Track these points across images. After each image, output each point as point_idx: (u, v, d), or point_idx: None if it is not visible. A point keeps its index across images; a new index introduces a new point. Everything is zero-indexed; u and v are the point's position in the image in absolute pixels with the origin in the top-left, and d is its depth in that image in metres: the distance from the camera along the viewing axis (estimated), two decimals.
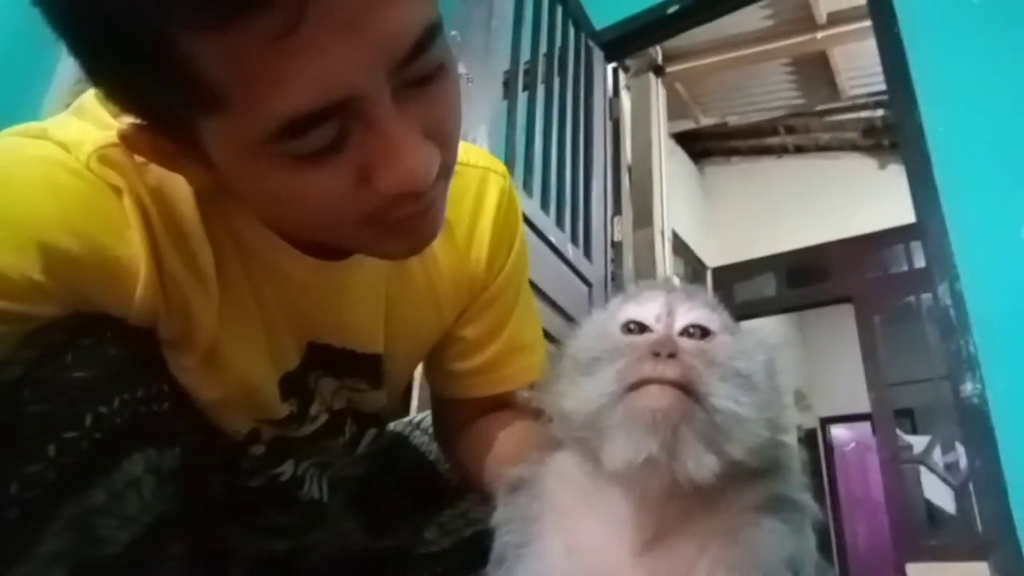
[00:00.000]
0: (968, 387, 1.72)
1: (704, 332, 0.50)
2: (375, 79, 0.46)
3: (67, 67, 1.21)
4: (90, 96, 0.58)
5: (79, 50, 0.44)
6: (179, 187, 0.56)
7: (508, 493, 0.54)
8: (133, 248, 0.54)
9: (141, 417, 0.55)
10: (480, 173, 0.77)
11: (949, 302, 1.80)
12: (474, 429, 0.80)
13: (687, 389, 0.45)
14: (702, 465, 0.44)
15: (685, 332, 0.50)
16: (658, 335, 0.50)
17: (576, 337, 0.55)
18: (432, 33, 0.48)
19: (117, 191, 0.54)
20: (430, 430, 0.92)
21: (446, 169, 0.55)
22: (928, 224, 1.88)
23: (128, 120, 0.49)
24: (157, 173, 0.55)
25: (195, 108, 0.45)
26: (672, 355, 0.47)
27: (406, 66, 0.47)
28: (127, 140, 0.51)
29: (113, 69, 0.45)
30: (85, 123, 0.56)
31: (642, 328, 0.52)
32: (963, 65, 1.98)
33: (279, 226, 0.60)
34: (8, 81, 1.18)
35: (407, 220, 0.54)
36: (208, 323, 0.59)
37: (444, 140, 0.52)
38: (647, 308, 0.52)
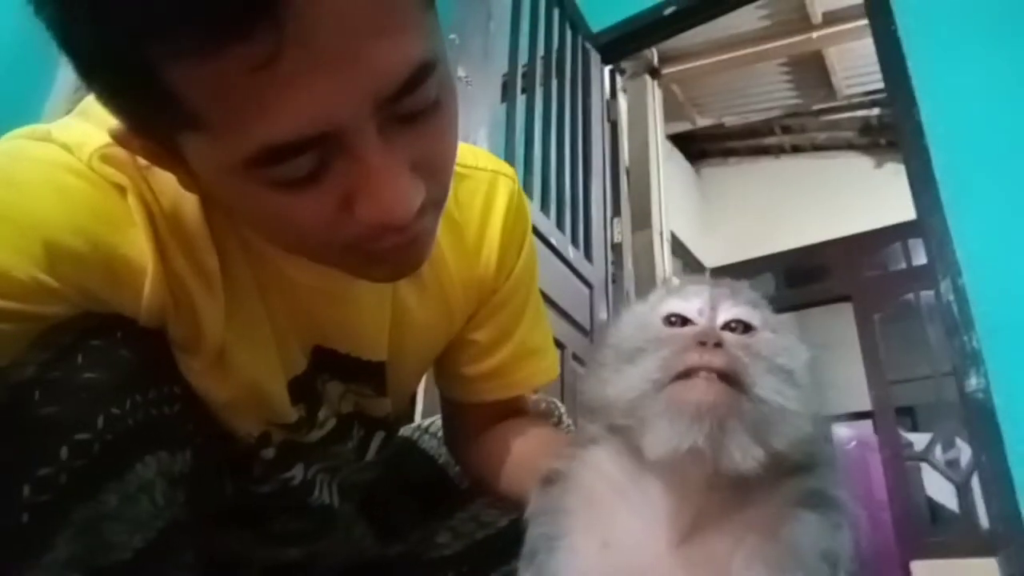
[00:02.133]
0: (972, 383, 1.72)
1: (747, 327, 0.50)
2: (358, 114, 0.45)
3: (68, 73, 1.20)
4: (93, 98, 0.57)
5: (70, 56, 0.44)
6: (183, 190, 0.56)
7: (542, 486, 0.53)
8: (139, 246, 0.54)
9: (153, 419, 0.55)
10: (489, 176, 0.76)
11: (952, 298, 1.80)
12: (487, 436, 0.79)
13: (732, 380, 0.45)
14: (748, 456, 0.44)
15: (727, 327, 0.50)
16: (702, 327, 0.50)
17: (617, 327, 0.55)
18: (425, 70, 0.46)
19: (121, 190, 0.54)
20: (439, 434, 0.91)
21: (435, 200, 0.54)
22: (929, 221, 1.88)
23: (119, 122, 0.49)
24: (161, 174, 0.55)
25: (175, 124, 0.45)
26: (718, 345, 0.47)
27: (395, 102, 0.46)
28: (119, 140, 0.50)
29: (98, 79, 0.45)
30: (88, 125, 0.56)
31: (684, 321, 0.52)
32: (961, 61, 1.99)
33: (266, 240, 0.59)
34: (10, 87, 1.17)
35: (390, 250, 0.53)
36: (214, 325, 0.58)
37: (433, 173, 0.52)
38: (690, 302, 0.52)
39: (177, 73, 0.41)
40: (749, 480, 0.46)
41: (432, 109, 0.49)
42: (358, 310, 0.67)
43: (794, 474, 0.48)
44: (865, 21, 2.57)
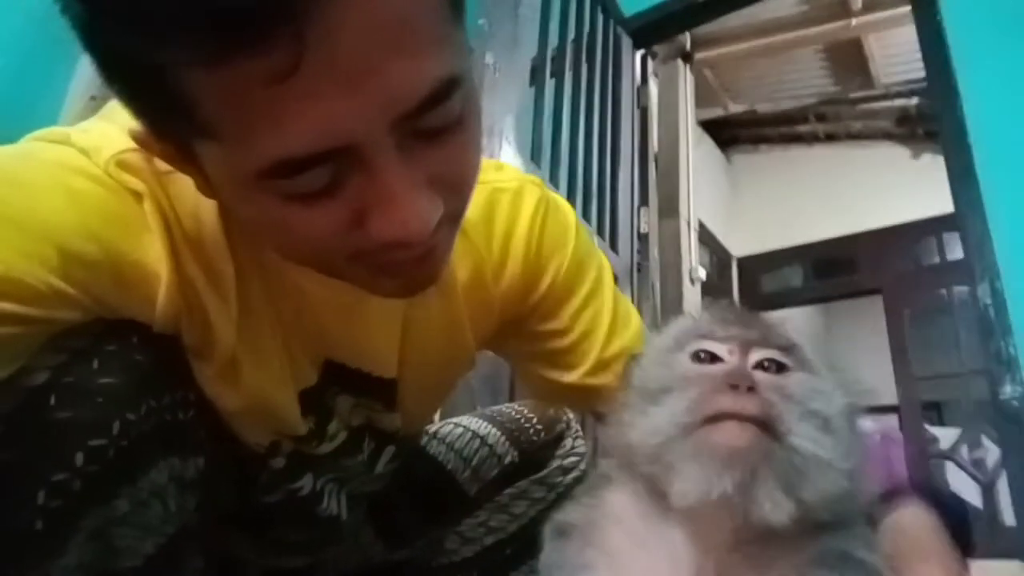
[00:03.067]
0: (1007, 390, 1.67)
1: (780, 367, 0.47)
2: (375, 129, 0.44)
3: (81, 81, 1.19)
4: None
5: (92, 56, 0.44)
6: (202, 198, 0.55)
7: (555, 538, 0.51)
8: (153, 252, 0.54)
9: (167, 425, 0.54)
10: (514, 188, 0.74)
11: (989, 301, 1.75)
12: None
13: (766, 426, 0.43)
14: (778, 508, 0.42)
15: (760, 365, 0.48)
16: (732, 366, 0.48)
17: (641, 367, 0.53)
18: (450, 87, 0.46)
19: (137, 196, 0.54)
20: (447, 439, 0.91)
21: (453, 216, 0.53)
22: (969, 221, 1.83)
23: (139, 125, 0.49)
24: (179, 182, 0.54)
25: (191, 131, 0.45)
26: (751, 388, 0.45)
27: (415, 118, 0.45)
28: (140, 142, 0.51)
29: (118, 80, 0.45)
30: (110, 128, 0.56)
31: (713, 358, 0.49)
32: (1007, 57, 1.91)
33: (277, 251, 0.58)
34: (22, 94, 1.17)
35: (402, 264, 0.52)
36: (226, 333, 0.58)
37: (452, 188, 0.51)
38: (719, 339, 0.49)
39: (194, 80, 0.41)
40: (775, 535, 0.43)
41: (455, 125, 0.48)
42: (368, 326, 0.66)
43: (822, 532, 0.46)
44: (906, 8, 2.50)
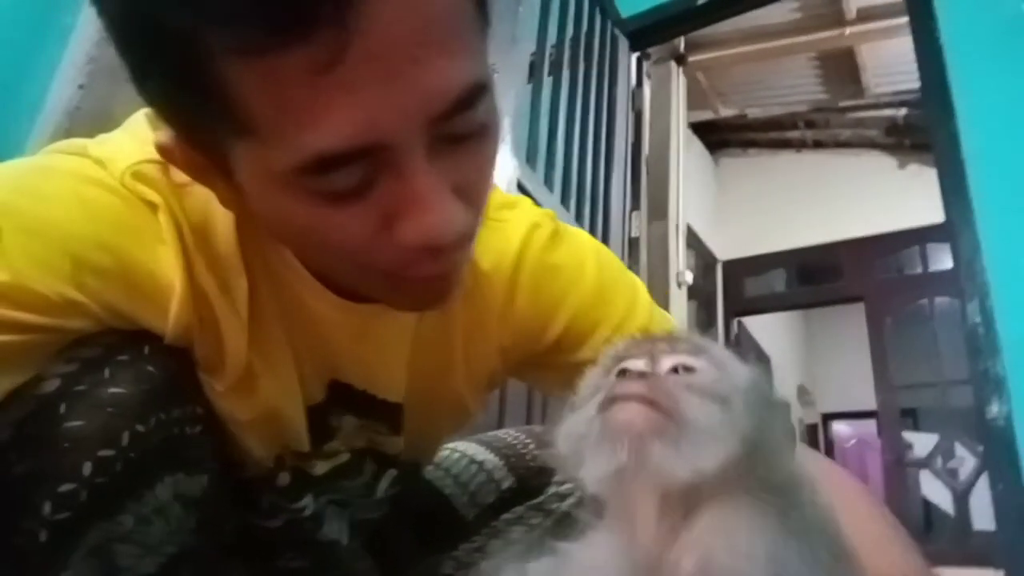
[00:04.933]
0: (994, 408, 1.68)
1: (688, 369, 0.51)
2: (410, 129, 0.44)
3: (70, 67, 1.15)
4: (139, 114, 0.58)
5: (125, 52, 0.44)
6: (217, 211, 0.55)
7: None
8: (167, 264, 0.53)
9: (175, 439, 0.54)
10: (522, 233, 0.72)
11: (979, 319, 1.75)
12: None
13: (657, 405, 0.46)
14: (675, 471, 0.45)
15: (673, 370, 0.51)
16: (641, 368, 0.51)
17: (574, 395, 0.56)
18: (478, 92, 0.46)
19: (152, 207, 0.53)
20: (444, 464, 0.89)
21: (470, 232, 0.52)
22: (960, 238, 1.83)
23: (167, 130, 0.48)
24: (195, 195, 0.54)
25: (227, 128, 0.44)
26: (642, 375, 0.49)
27: (445, 121, 0.45)
28: (163, 150, 0.50)
29: (154, 77, 0.45)
30: (128, 140, 0.55)
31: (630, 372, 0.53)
32: (1004, 73, 1.92)
33: (300, 257, 0.58)
34: (3, 80, 1.14)
35: (420, 279, 0.52)
36: (237, 347, 0.57)
37: (472, 200, 0.50)
38: (636, 357, 0.53)
39: (236, 70, 0.41)
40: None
41: (479, 133, 0.49)
42: (375, 348, 0.65)
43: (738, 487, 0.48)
44: (900, 20, 2.50)
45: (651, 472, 0.45)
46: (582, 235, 0.79)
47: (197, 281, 0.55)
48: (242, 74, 0.41)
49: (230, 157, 0.46)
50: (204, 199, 0.54)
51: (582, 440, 0.48)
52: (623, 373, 0.51)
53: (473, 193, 0.50)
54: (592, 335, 0.72)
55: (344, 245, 0.48)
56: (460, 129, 0.46)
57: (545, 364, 0.75)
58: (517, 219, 0.73)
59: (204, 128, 0.46)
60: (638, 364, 0.51)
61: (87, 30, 1.15)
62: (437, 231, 0.46)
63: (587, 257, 0.75)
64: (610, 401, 0.47)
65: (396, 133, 0.43)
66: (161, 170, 0.54)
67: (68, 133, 1.08)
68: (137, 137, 0.54)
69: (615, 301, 0.74)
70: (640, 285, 0.78)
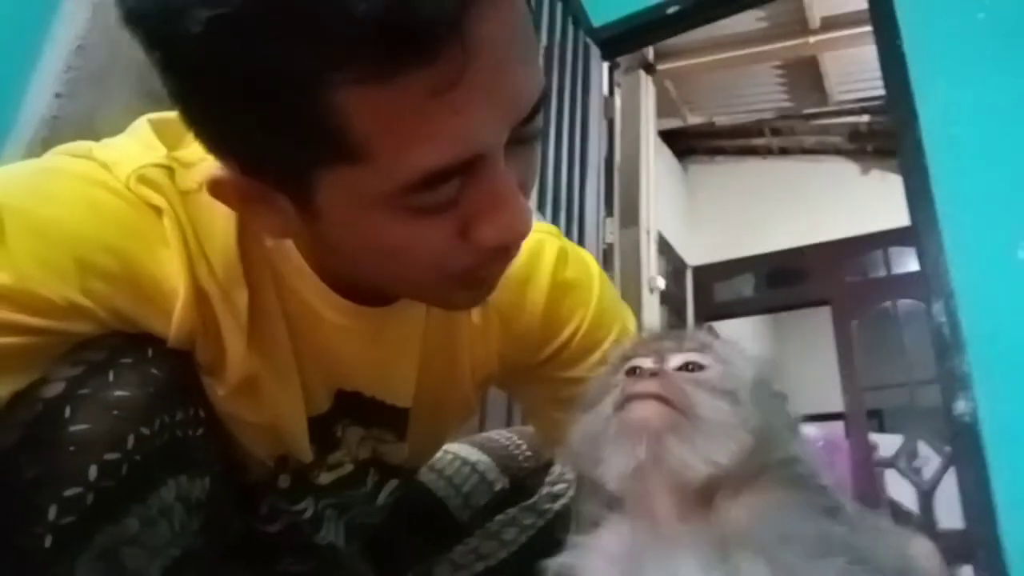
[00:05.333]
0: (961, 405, 1.73)
1: (698, 366, 0.52)
2: (502, 136, 0.46)
3: (36, 106, 1.13)
4: (142, 120, 0.58)
5: (214, 89, 0.42)
6: (220, 218, 0.55)
7: None
8: (172, 268, 0.54)
9: (178, 441, 0.54)
10: (529, 247, 0.73)
11: (944, 319, 1.80)
12: None
13: (671, 403, 0.48)
14: (691, 467, 0.46)
15: (683, 368, 0.53)
16: (650, 366, 0.53)
17: (583, 393, 0.58)
18: (543, 97, 0.48)
19: (157, 211, 0.54)
20: (437, 466, 0.90)
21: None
22: (925, 240, 1.87)
23: (218, 165, 0.48)
24: (199, 203, 0.54)
25: (323, 158, 0.44)
26: (654, 374, 0.50)
27: (523, 126, 0.48)
28: (215, 185, 0.49)
29: (238, 117, 0.43)
30: (133, 144, 0.56)
31: (641, 371, 0.54)
32: (965, 78, 1.97)
33: (375, 275, 0.57)
34: None
35: (488, 276, 0.54)
36: (237, 355, 0.57)
37: (527, 197, 0.52)
38: (643, 354, 0.55)
39: (350, 100, 0.40)
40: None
41: (537, 135, 0.51)
42: (385, 353, 0.66)
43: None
44: (862, 28, 2.56)
45: (669, 467, 0.46)
46: (587, 255, 0.81)
47: (200, 285, 0.55)
48: (357, 103, 0.40)
49: (312, 185, 0.46)
50: (207, 206, 0.54)
51: (598, 438, 0.50)
52: (633, 371, 0.52)
53: (527, 191, 0.52)
54: (589, 355, 0.74)
55: (431, 257, 0.49)
56: (528, 133, 0.49)
57: (536, 377, 0.76)
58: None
59: (285, 159, 0.45)
60: (647, 362, 0.53)
61: (65, 38, 1.13)
62: (516, 230, 0.49)
63: (595, 279, 0.77)
64: (625, 400, 0.49)
65: (493, 143, 0.45)
66: (166, 175, 0.54)
67: (45, 143, 1.07)
68: (142, 141, 0.55)
69: (613, 325, 0.76)
70: (630, 315, 0.81)
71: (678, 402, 0.48)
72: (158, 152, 0.55)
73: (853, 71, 3.84)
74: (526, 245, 0.72)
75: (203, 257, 0.55)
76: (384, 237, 0.49)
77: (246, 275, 0.57)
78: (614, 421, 0.49)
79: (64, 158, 0.55)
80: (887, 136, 4.11)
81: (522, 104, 0.46)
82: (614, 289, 0.81)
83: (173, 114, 0.50)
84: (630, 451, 0.47)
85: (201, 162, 0.54)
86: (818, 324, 4.75)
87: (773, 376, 0.55)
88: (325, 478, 0.68)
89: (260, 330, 0.59)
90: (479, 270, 0.52)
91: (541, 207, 2.09)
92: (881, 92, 2.16)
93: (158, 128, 0.58)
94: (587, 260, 0.79)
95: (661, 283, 3.32)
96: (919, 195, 1.92)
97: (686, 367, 0.53)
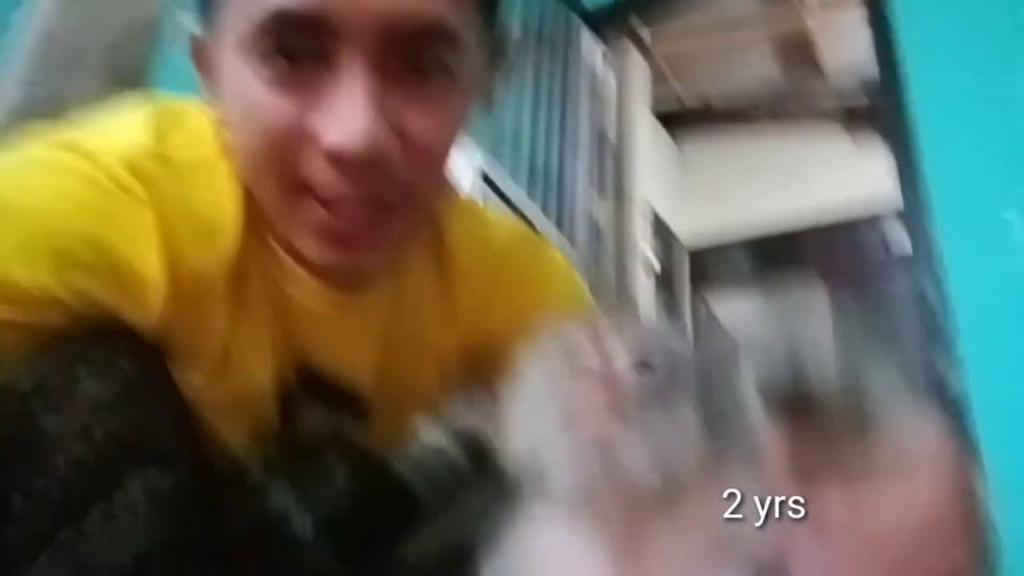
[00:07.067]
0: (952, 383, 1.72)
1: (644, 365, 0.50)
2: (362, 26, 0.47)
3: (2, 93, 1.12)
4: (138, 102, 0.59)
5: None
6: (223, 192, 0.57)
7: None
8: (151, 259, 0.54)
9: (147, 434, 0.53)
10: (507, 232, 0.75)
11: (935, 299, 1.80)
12: None
13: (620, 411, 0.46)
14: (646, 475, 0.44)
15: (630, 363, 0.50)
16: (598, 369, 0.51)
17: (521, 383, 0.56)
18: (447, 36, 0.49)
19: (139, 201, 0.54)
20: (400, 449, 0.90)
21: (408, 198, 0.53)
22: (915, 220, 1.88)
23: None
24: (197, 180, 0.56)
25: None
26: (608, 380, 0.48)
27: (399, 45, 0.48)
28: (195, 50, 0.56)
29: None
30: (118, 126, 0.56)
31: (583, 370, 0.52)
32: (955, 58, 1.96)
33: (243, 159, 0.58)
34: None
35: (331, 220, 0.53)
36: (215, 342, 0.58)
37: (414, 155, 0.51)
38: (586, 351, 0.52)
39: None
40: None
41: (434, 83, 0.51)
42: (347, 338, 0.66)
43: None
44: (858, 5, 2.52)
45: (623, 480, 0.45)
46: (558, 252, 0.81)
47: (181, 273, 0.55)
48: None
49: (215, 30, 0.51)
50: (202, 183, 0.56)
51: (543, 448, 0.48)
52: (577, 370, 0.50)
53: (419, 147, 0.51)
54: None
55: (274, 129, 0.50)
56: (417, 62, 0.49)
57: (495, 366, 0.76)
58: (499, 220, 0.76)
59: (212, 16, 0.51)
60: (592, 362, 0.51)
61: (35, 24, 1.11)
62: (350, 136, 0.48)
63: (564, 273, 0.78)
64: (573, 412, 0.47)
65: (347, 20, 0.46)
66: (158, 160, 0.55)
67: (14, 130, 1.05)
68: (135, 124, 0.55)
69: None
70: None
71: (627, 409, 0.47)
72: (150, 136, 0.56)
73: (848, 49, 3.80)
74: (498, 234, 0.73)
75: (186, 243, 0.55)
76: (242, 91, 0.51)
77: (241, 247, 0.57)
78: (562, 434, 0.47)
79: (46, 147, 0.54)
80: (880, 115, 4.10)
81: (396, 8, 0.47)
82: (583, 288, 0.81)
83: (171, 98, 0.55)
84: (580, 465, 0.46)
85: (197, 142, 0.56)
86: (814, 303, 4.76)
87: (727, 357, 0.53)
88: (289, 462, 0.68)
89: (242, 303, 0.59)
90: (321, 186, 0.51)
91: (532, 187, 2.07)
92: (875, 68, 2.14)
93: (153, 112, 0.58)
94: (557, 257, 0.79)
95: (655, 262, 3.31)
96: (908, 175, 1.93)
97: (633, 365, 0.50)
